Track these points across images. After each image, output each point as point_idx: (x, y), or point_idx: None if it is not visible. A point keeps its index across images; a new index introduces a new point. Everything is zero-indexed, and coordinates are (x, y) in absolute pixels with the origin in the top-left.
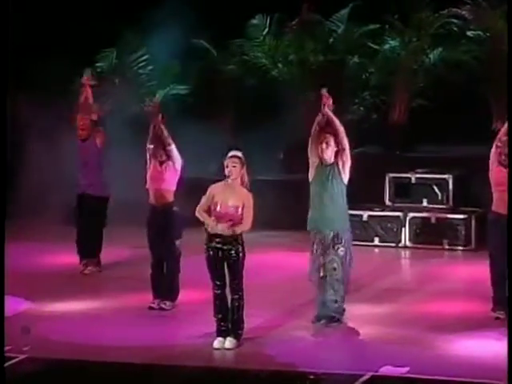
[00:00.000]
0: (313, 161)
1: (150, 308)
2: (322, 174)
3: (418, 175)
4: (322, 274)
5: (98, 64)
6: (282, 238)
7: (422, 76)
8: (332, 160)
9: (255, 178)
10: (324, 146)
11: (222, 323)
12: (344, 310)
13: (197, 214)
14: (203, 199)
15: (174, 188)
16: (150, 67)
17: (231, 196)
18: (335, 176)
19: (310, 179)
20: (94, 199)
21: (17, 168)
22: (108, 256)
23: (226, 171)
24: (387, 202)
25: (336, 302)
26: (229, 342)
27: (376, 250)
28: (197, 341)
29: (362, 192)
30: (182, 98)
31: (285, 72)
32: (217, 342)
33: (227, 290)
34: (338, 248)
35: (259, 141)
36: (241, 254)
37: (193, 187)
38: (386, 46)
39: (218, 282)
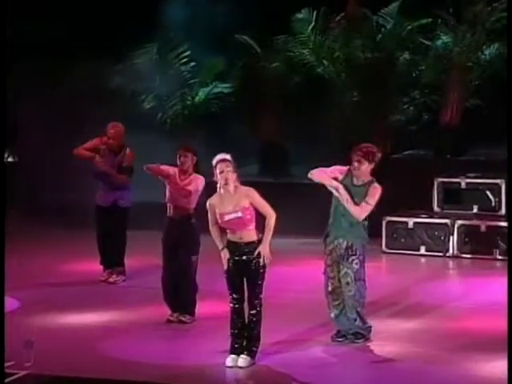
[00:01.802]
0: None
1: (169, 321)
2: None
3: (468, 180)
4: (330, 289)
5: (137, 60)
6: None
7: (477, 74)
8: (362, 182)
9: (298, 181)
10: (356, 164)
11: (237, 340)
12: (369, 326)
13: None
14: (209, 215)
15: (193, 205)
16: (192, 64)
17: (231, 202)
18: (360, 199)
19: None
20: (124, 210)
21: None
22: (133, 264)
23: (221, 177)
24: (435, 209)
25: (355, 320)
26: (242, 360)
27: (422, 259)
28: (210, 358)
29: (408, 197)
30: (226, 97)
31: (330, 69)
32: (230, 360)
33: (246, 304)
34: (353, 260)
35: (304, 141)
36: (261, 267)
37: None
38: (438, 42)
39: (235, 295)
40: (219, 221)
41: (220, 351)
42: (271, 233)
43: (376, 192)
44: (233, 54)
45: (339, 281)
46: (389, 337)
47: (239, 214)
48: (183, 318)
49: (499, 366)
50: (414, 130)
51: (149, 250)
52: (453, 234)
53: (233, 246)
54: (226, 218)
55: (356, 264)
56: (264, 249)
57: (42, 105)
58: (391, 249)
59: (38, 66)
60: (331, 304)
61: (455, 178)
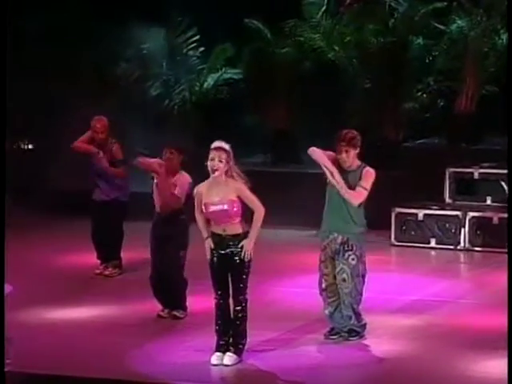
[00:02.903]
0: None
1: (159, 316)
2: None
3: (481, 170)
4: (324, 286)
5: (144, 45)
6: None
7: (494, 60)
8: (353, 168)
9: (309, 170)
10: (344, 155)
11: (222, 337)
12: (364, 323)
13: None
14: (195, 202)
15: (182, 202)
16: (201, 49)
17: (219, 193)
18: (353, 184)
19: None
20: (122, 203)
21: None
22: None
23: (210, 165)
24: (447, 200)
25: (350, 318)
26: (228, 358)
27: (432, 252)
28: (196, 355)
29: (421, 188)
30: (236, 83)
31: (341, 55)
32: (215, 358)
33: (231, 299)
34: (349, 256)
35: (314, 128)
36: (245, 260)
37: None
38: (453, 27)
39: (220, 291)
40: (203, 210)
41: (206, 348)
42: (258, 228)
43: (370, 175)
44: (242, 38)
45: (334, 277)
46: (386, 334)
47: (225, 207)
48: (177, 313)
49: (500, 365)
50: (428, 118)
51: (146, 243)
52: (464, 227)
53: (217, 239)
54: (211, 208)
55: (353, 260)
56: (248, 244)
57: (51, 91)
58: (400, 241)
59: (43, 52)
60: (326, 301)
61: (468, 168)
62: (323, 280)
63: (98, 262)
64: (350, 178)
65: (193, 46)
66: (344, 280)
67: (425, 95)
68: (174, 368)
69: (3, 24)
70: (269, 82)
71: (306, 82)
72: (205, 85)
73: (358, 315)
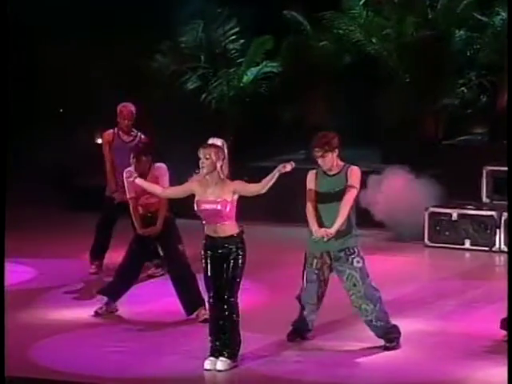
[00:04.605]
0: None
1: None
2: (327, 186)
3: None
4: (320, 293)
5: (182, 38)
6: (365, 237)
7: None
8: (336, 170)
9: None
10: (320, 160)
11: (216, 340)
12: (394, 328)
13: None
14: (181, 186)
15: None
16: (241, 41)
17: (214, 191)
18: (341, 186)
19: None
20: None
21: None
22: None
23: (200, 163)
24: (484, 199)
25: (371, 321)
26: (221, 363)
27: (467, 254)
28: (187, 360)
29: (460, 187)
30: (275, 77)
31: (380, 48)
32: (208, 362)
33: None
34: (353, 259)
35: (352, 124)
36: (240, 260)
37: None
38: (497, 19)
39: (212, 293)
40: (195, 207)
41: (200, 352)
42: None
43: (355, 173)
44: (281, 31)
45: (326, 284)
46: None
47: (218, 207)
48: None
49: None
50: (469, 114)
51: None
52: (499, 227)
53: (210, 240)
54: (203, 206)
55: (358, 262)
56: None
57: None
58: (434, 242)
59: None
60: (310, 307)
61: (506, 166)
62: (318, 287)
63: (90, 257)
64: (336, 182)
65: (232, 38)
66: (354, 285)
67: (466, 90)
68: (166, 372)
69: (4, 26)
70: (307, 77)
71: (345, 76)
72: (244, 79)
73: (383, 313)
